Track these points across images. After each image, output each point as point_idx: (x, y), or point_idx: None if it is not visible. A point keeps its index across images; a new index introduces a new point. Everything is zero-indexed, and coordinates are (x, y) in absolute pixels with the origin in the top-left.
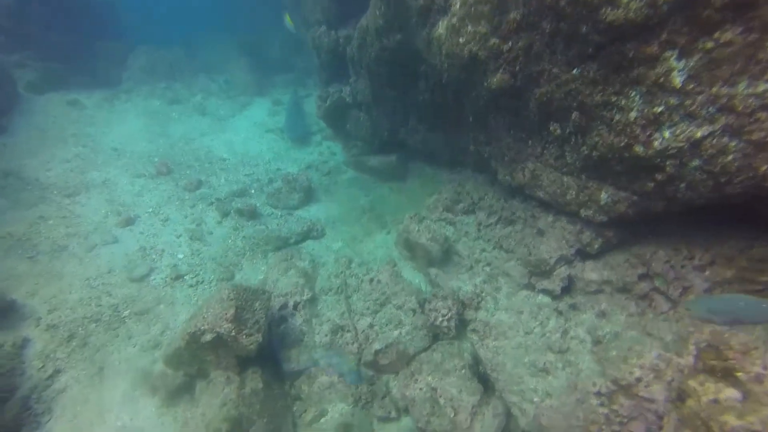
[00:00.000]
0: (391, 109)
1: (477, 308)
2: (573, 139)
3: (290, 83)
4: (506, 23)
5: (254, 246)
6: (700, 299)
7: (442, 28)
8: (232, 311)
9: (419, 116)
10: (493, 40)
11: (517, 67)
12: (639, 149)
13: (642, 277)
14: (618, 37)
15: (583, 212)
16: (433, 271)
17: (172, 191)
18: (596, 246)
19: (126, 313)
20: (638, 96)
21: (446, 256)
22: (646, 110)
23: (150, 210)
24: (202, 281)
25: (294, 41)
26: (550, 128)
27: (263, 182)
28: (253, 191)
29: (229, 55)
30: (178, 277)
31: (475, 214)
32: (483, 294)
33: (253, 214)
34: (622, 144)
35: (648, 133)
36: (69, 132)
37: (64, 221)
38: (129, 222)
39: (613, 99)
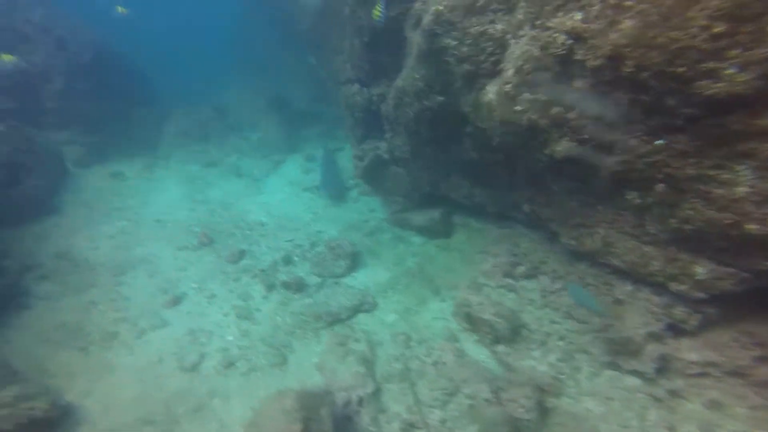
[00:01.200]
0: (432, 164)
1: (558, 394)
2: (657, 210)
3: (320, 136)
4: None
5: (304, 324)
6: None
7: (492, 93)
8: (298, 426)
9: (463, 172)
10: (557, 109)
11: (586, 136)
12: (752, 227)
13: (760, 360)
14: (718, 110)
15: (674, 286)
16: (500, 348)
17: (215, 263)
18: (693, 323)
19: (180, 411)
20: (749, 171)
21: (514, 331)
22: (759, 186)
23: (195, 286)
24: (255, 368)
25: (319, 91)
26: (627, 197)
27: (305, 248)
28: (296, 258)
29: (257, 111)
30: (230, 365)
31: (537, 278)
32: (562, 376)
33: (299, 286)
34: (728, 221)
35: (765, 211)
36: (113, 205)
37: (113, 305)
38: (176, 301)
39: (711, 173)
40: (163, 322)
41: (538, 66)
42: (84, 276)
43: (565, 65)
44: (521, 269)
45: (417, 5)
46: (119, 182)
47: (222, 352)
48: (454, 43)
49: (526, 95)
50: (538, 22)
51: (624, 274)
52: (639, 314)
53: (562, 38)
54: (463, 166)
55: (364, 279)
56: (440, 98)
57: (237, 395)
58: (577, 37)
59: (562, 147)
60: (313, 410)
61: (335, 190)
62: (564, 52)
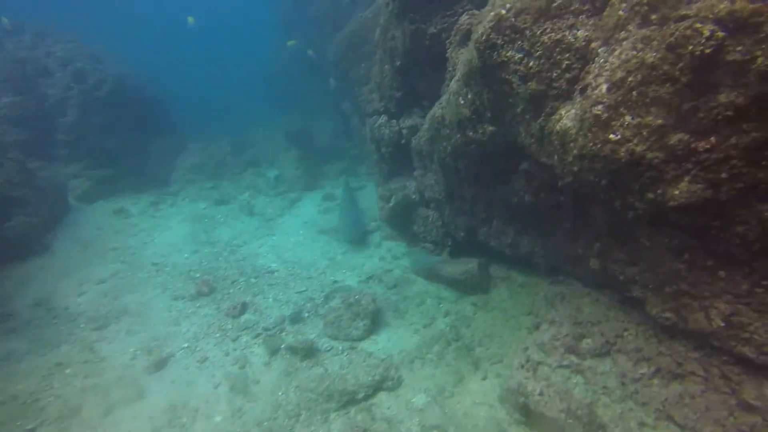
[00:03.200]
0: (470, 207)
1: None
2: None
3: (341, 174)
4: (706, 111)
5: (311, 403)
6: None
7: (569, 119)
8: None
9: (509, 217)
10: (678, 136)
11: (724, 175)
12: None
13: None
14: None
15: None
16: None
17: (213, 317)
18: None
19: None
20: None
21: None
22: None
23: (186, 345)
24: None
25: (343, 127)
26: None
27: (318, 301)
28: (306, 315)
29: (277, 147)
30: None
31: (611, 357)
32: None
33: (308, 352)
34: None
35: None
36: (111, 246)
37: (84, 368)
38: (160, 365)
39: None
40: (139, 394)
41: (653, 77)
42: (59, 329)
43: (702, 72)
44: (589, 343)
45: (464, 19)
46: (121, 219)
47: None
48: (519, 55)
49: (628, 119)
50: (656, 16)
51: (763, 371)
52: None
53: (707, 30)
54: (510, 209)
55: (386, 344)
56: (491, 128)
57: None
58: (737, 25)
59: (682, 191)
60: None
61: (355, 233)
62: (709, 50)
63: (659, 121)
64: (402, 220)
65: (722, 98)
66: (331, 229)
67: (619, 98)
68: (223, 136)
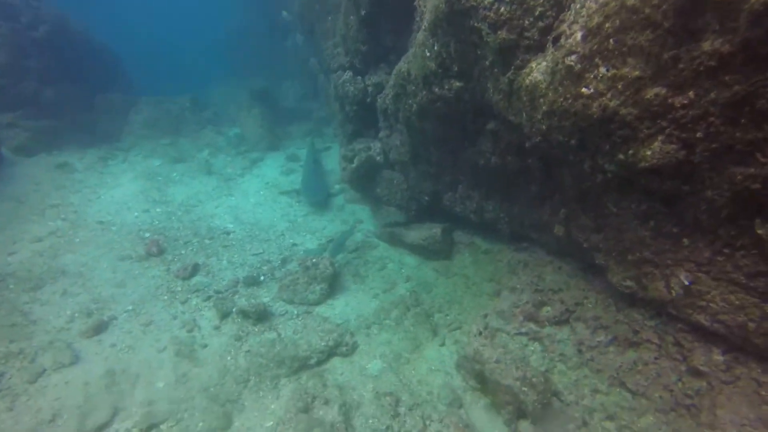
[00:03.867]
0: (435, 170)
1: None
2: None
3: (307, 134)
4: (688, 62)
5: (261, 368)
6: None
7: (539, 72)
8: None
9: (475, 181)
10: (655, 90)
11: (699, 134)
12: None
13: None
14: None
15: None
16: (525, 427)
17: (162, 279)
18: None
19: None
20: None
21: (545, 404)
22: None
23: (130, 308)
24: None
25: (311, 87)
26: (759, 231)
27: (275, 264)
28: (262, 278)
29: (239, 105)
30: (152, 427)
31: (570, 326)
32: None
33: (261, 316)
34: None
35: None
36: (50, 202)
37: (11, 332)
38: (100, 328)
39: None
40: (73, 359)
41: (632, 22)
42: None
43: (686, 15)
44: (548, 311)
45: None
46: (65, 174)
47: (145, 407)
48: (489, 0)
49: (603, 71)
50: None
51: (713, 338)
52: (742, 404)
53: None
54: (476, 173)
55: (343, 309)
56: (458, 84)
57: None
58: None
59: (654, 152)
60: None
61: (318, 195)
62: None
63: (636, 73)
64: (365, 183)
65: (706, 46)
66: (293, 191)
67: (595, 47)
68: (182, 93)
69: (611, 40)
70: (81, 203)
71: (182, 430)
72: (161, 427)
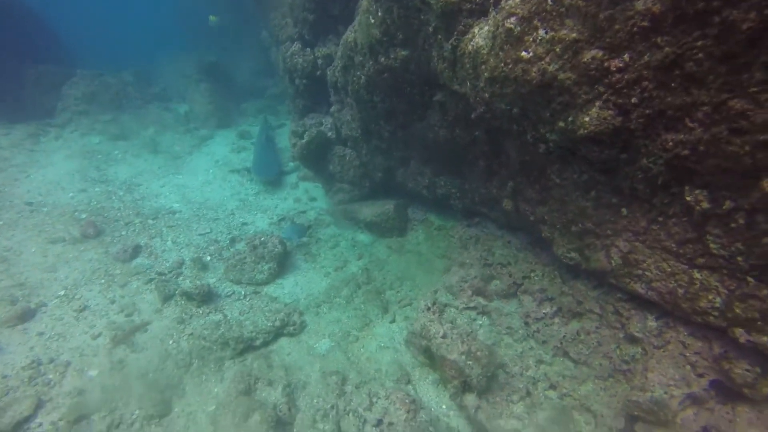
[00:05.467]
0: (387, 145)
1: None
2: (743, 221)
3: (260, 111)
4: (623, 22)
5: (204, 351)
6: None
7: (481, 37)
8: None
9: (426, 157)
10: (592, 53)
11: (634, 99)
12: None
13: None
14: None
15: (743, 336)
16: (470, 400)
17: (100, 262)
18: (764, 390)
19: None
20: None
21: (490, 377)
22: None
23: (62, 293)
24: (119, 424)
25: (265, 62)
26: (687, 197)
27: (223, 244)
28: (208, 258)
29: (188, 81)
30: (81, 418)
31: (518, 299)
32: None
33: (206, 297)
34: None
35: None
36: None
37: None
38: (25, 316)
39: None
40: None
41: None
42: None
43: None
44: (497, 285)
45: None
46: None
47: (74, 398)
48: None
49: (542, 34)
50: None
51: (648, 305)
52: (670, 365)
53: None
54: (427, 148)
55: (293, 288)
56: (403, 52)
57: None
58: None
59: (592, 118)
60: None
61: (270, 173)
62: None
63: (573, 35)
64: (317, 160)
65: (639, 5)
66: (244, 169)
67: (534, 8)
68: (124, 67)
69: (549, 1)
70: (6, 183)
71: (116, 420)
72: (92, 417)
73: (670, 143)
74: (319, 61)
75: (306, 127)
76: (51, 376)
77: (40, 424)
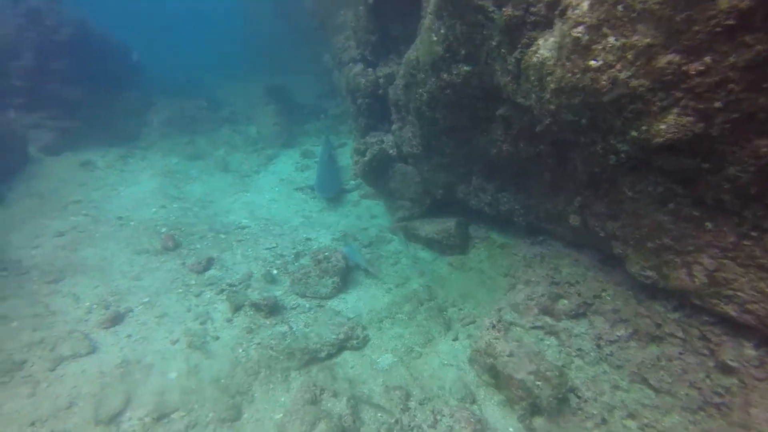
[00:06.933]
0: (448, 162)
1: None
2: None
3: (322, 131)
4: (703, 23)
5: (272, 361)
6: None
7: (546, 48)
8: None
9: (488, 172)
10: (668, 58)
11: (718, 104)
12: None
13: None
14: None
15: None
16: (540, 424)
17: (177, 273)
18: None
19: None
20: None
21: (561, 399)
22: None
23: (146, 300)
24: (196, 424)
25: (326, 85)
26: None
27: (288, 258)
28: (275, 272)
29: (255, 104)
30: (163, 417)
31: (588, 319)
32: None
33: (272, 309)
34: None
35: None
36: (72, 198)
37: (34, 322)
38: (116, 320)
39: None
40: (90, 348)
41: None
42: (8, 282)
43: None
44: (565, 304)
45: None
46: (87, 172)
47: (157, 397)
48: None
49: (612, 41)
50: None
51: (743, 330)
52: None
53: None
54: (489, 163)
55: (355, 303)
56: (466, 68)
57: None
58: None
59: (669, 126)
60: None
61: (332, 190)
62: None
63: (647, 41)
64: (378, 177)
65: (722, 4)
66: (307, 187)
67: (602, 15)
68: (198, 93)
69: (620, 7)
70: (101, 199)
71: (193, 420)
72: (172, 416)
73: (764, 149)
74: (381, 81)
75: (368, 145)
76: (138, 376)
77: (130, 419)
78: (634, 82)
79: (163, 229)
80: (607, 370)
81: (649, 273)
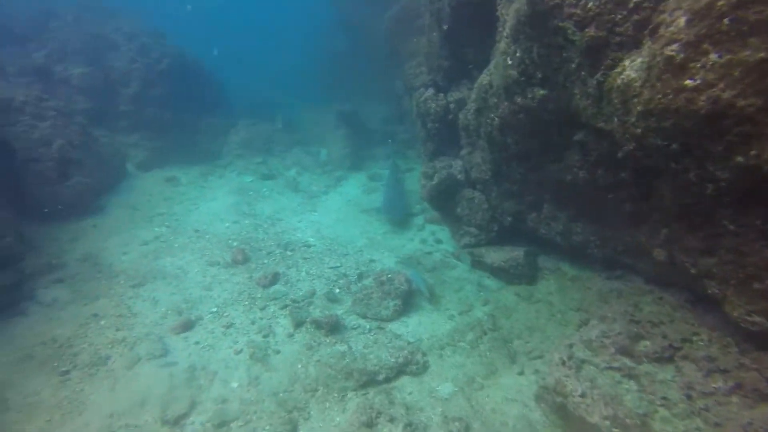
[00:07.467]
0: (518, 189)
1: None
2: None
3: (390, 155)
4: None
5: (330, 379)
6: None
7: (633, 69)
8: None
9: (561, 200)
10: None
11: None
12: None
13: None
14: None
15: None
16: None
17: (245, 285)
18: None
19: None
20: None
21: None
22: None
23: (215, 310)
24: None
25: (395, 110)
26: None
27: (351, 278)
28: (337, 291)
29: (326, 127)
30: (223, 425)
31: (675, 364)
32: None
33: (333, 328)
34: None
35: None
36: (158, 211)
37: (117, 321)
38: (187, 326)
39: None
40: (163, 351)
41: None
42: (100, 284)
43: None
44: (647, 346)
45: None
46: (171, 187)
47: (219, 405)
48: None
49: (714, 58)
50: None
51: None
52: None
53: None
54: (563, 191)
55: (416, 327)
56: (542, 92)
57: None
58: None
59: None
60: None
61: (398, 214)
62: None
63: (760, 55)
64: (445, 202)
65: None
66: (373, 209)
67: (703, 31)
68: (273, 113)
69: (726, 20)
70: (182, 213)
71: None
72: (231, 425)
73: None
74: (452, 106)
75: (436, 170)
76: (202, 382)
77: (193, 423)
78: (741, 102)
79: (235, 244)
80: (702, 427)
81: (755, 318)
